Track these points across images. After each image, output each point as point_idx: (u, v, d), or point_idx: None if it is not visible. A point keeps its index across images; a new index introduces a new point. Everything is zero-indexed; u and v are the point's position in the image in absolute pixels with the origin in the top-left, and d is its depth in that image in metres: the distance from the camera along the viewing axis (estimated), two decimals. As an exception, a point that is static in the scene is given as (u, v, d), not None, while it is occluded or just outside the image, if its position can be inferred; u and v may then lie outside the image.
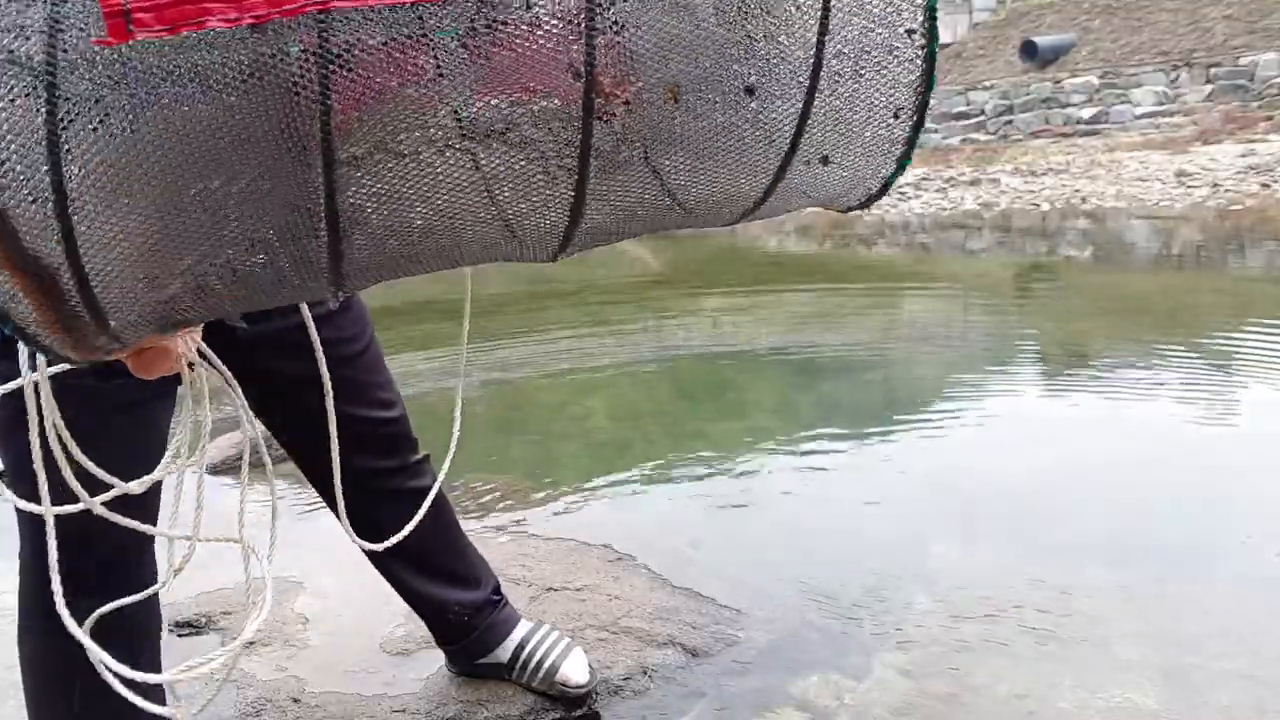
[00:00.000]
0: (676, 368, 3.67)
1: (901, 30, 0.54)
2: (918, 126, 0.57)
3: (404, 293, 5.13)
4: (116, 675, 0.76)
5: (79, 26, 0.43)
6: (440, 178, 0.51)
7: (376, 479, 1.25)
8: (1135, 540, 1.90)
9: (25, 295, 0.47)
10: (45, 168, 0.44)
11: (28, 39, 0.43)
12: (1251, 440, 2.49)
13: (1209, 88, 11.15)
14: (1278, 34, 11.27)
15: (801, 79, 0.54)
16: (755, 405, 3.16)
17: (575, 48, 0.48)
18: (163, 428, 1.04)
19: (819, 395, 3.23)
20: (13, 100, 0.43)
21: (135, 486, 0.73)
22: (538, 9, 0.48)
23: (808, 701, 1.41)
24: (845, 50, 0.54)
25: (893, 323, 4.47)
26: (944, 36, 13.00)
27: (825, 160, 0.58)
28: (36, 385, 0.60)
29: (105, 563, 1.05)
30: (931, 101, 0.57)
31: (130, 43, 0.43)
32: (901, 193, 9.51)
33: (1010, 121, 11.86)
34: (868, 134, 0.57)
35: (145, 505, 1.07)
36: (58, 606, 0.69)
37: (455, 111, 0.50)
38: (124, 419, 0.98)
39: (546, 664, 1.42)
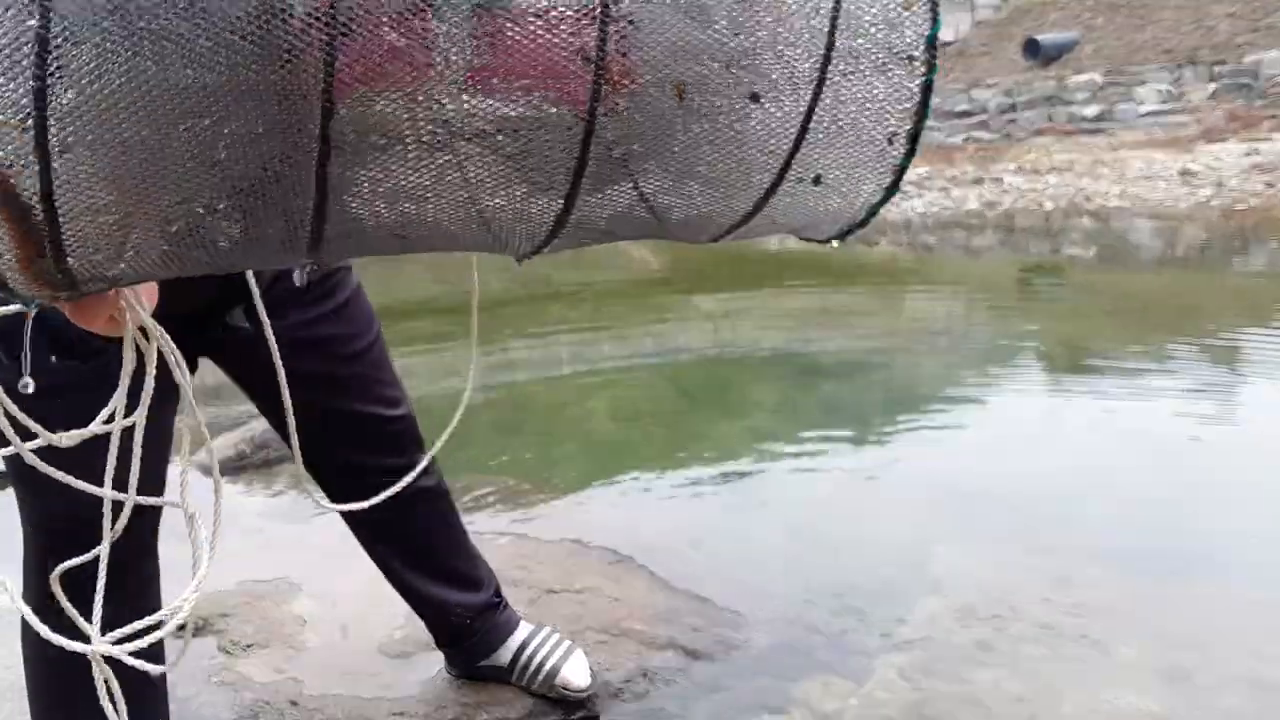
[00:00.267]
0: (677, 368, 3.66)
1: (903, 56, 0.54)
2: (909, 154, 0.56)
3: (404, 292, 5.13)
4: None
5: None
6: (428, 167, 0.51)
7: (384, 477, 1.24)
8: (1137, 541, 1.89)
9: (4, 223, 0.47)
10: (30, 85, 0.43)
11: None
12: (1254, 440, 2.48)
13: (1213, 86, 11.12)
14: (1282, 32, 11.22)
15: (803, 94, 0.53)
16: (756, 406, 3.15)
17: (588, 33, 0.48)
18: (165, 426, 1.03)
19: (820, 396, 3.22)
20: (5, 9, 0.43)
21: (64, 439, 0.73)
22: None
23: (809, 704, 1.40)
24: (848, 70, 0.53)
25: (895, 323, 4.46)
26: (946, 34, 12.99)
27: (818, 180, 0.57)
28: None
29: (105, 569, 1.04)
30: (934, 100, 0.57)
31: None
32: (904, 192, 9.49)
33: (1013, 120, 11.83)
34: (862, 157, 0.57)
35: (145, 510, 1.06)
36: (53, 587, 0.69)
37: (451, 91, 0.49)
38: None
39: (547, 666, 1.41)
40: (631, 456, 2.63)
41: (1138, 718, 1.33)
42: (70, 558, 1.03)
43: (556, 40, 0.48)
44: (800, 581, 1.79)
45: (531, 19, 0.48)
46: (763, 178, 0.56)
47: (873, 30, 0.53)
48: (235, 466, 2.59)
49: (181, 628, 0.83)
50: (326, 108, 0.47)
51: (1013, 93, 11.98)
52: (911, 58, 0.53)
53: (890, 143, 0.56)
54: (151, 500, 0.80)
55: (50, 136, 0.44)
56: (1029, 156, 10.70)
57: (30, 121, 0.44)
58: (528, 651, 1.43)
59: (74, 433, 0.72)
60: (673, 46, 0.50)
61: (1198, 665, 1.44)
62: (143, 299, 0.68)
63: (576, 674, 1.42)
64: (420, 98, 0.49)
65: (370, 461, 1.23)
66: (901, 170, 0.57)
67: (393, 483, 1.23)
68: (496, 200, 0.54)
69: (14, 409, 0.67)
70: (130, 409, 0.74)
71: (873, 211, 0.61)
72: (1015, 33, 13.31)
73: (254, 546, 1.90)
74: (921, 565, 1.83)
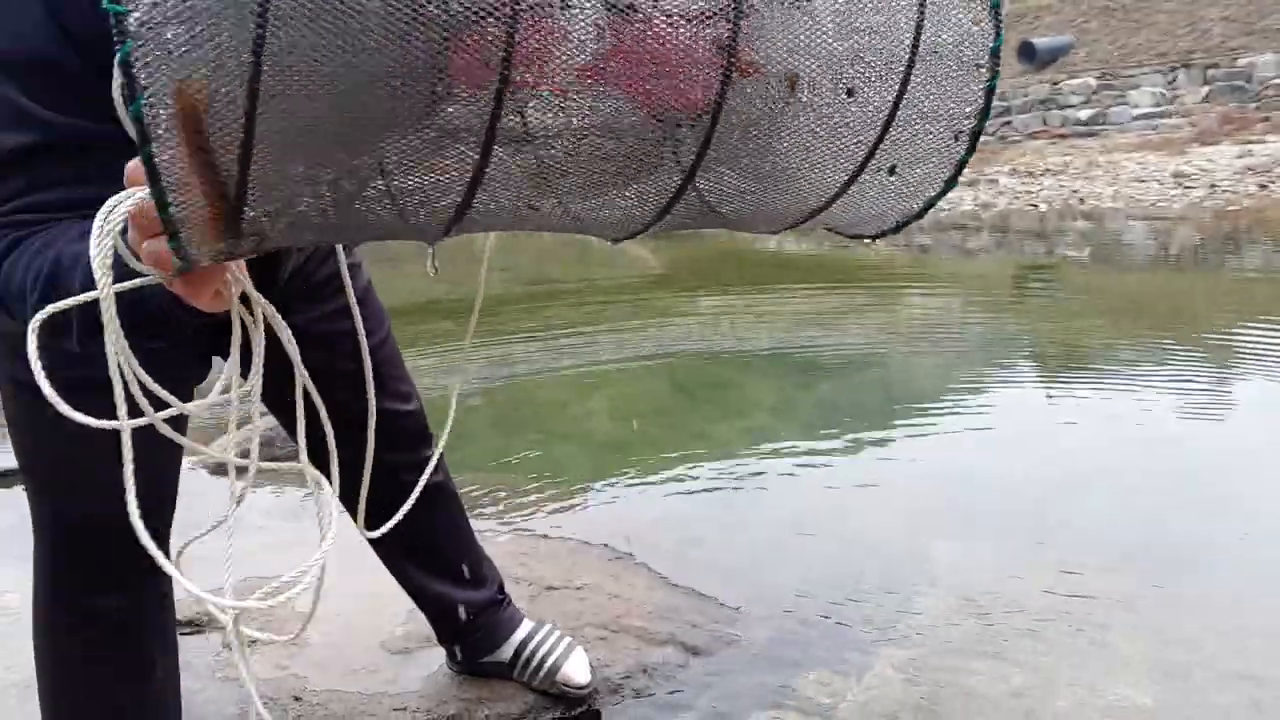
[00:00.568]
0: (676, 367, 3.67)
1: (972, 64, 0.60)
2: (970, 151, 0.62)
3: (405, 292, 5.13)
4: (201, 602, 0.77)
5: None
6: (571, 153, 0.56)
7: (393, 472, 1.25)
8: (1133, 538, 1.90)
9: (196, 179, 0.48)
10: (251, 38, 0.44)
11: None
12: (1249, 438, 2.50)
13: (1206, 89, 11.17)
14: (1275, 35, 11.30)
15: (888, 90, 0.60)
16: (755, 405, 3.16)
17: (722, 25, 0.53)
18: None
19: (819, 395, 3.24)
20: None
21: (192, 408, 0.73)
22: None
23: (807, 700, 1.42)
24: (927, 71, 0.60)
25: (892, 323, 4.48)
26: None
27: (893, 170, 0.63)
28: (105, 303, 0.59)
29: (116, 558, 1.05)
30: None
31: None
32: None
33: (1008, 122, 11.87)
34: (931, 151, 0.63)
35: (167, 509, 1.08)
36: (141, 537, 0.69)
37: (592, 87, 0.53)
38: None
39: (548, 663, 1.42)
40: (631, 455, 2.64)
41: (1133, 713, 1.35)
42: (84, 556, 1.04)
43: (688, 33, 0.53)
44: (798, 577, 1.80)
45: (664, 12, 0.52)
46: (847, 167, 0.62)
47: (947, 39, 0.59)
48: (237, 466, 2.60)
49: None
50: (500, 89, 0.50)
51: (1007, 96, 12.02)
52: (979, 65, 0.60)
53: (956, 139, 0.62)
54: (273, 465, 0.81)
55: (261, 79, 0.45)
56: (1024, 159, 10.74)
57: (246, 59, 0.45)
58: (529, 648, 1.43)
59: (200, 402, 0.72)
60: (790, 42, 0.56)
61: (1194, 661, 1.46)
62: (244, 271, 0.67)
63: (577, 671, 1.42)
64: (574, 89, 0.53)
65: (383, 457, 1.24)
66: (961, 165, 0.63)
67: (399, 478, 1.24)
68: (626, 189, 0.59)
69: (147, 380, 0.66)
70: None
71: (930, 204, 0.66)
72: (1010, 37, 13.36)
73: (257, 544, 1.90)
74: (919, 561, 1.84)
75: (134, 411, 0.64)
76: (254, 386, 0.73)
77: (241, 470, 0.82)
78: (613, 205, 0.61)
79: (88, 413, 1.00)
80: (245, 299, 0.71)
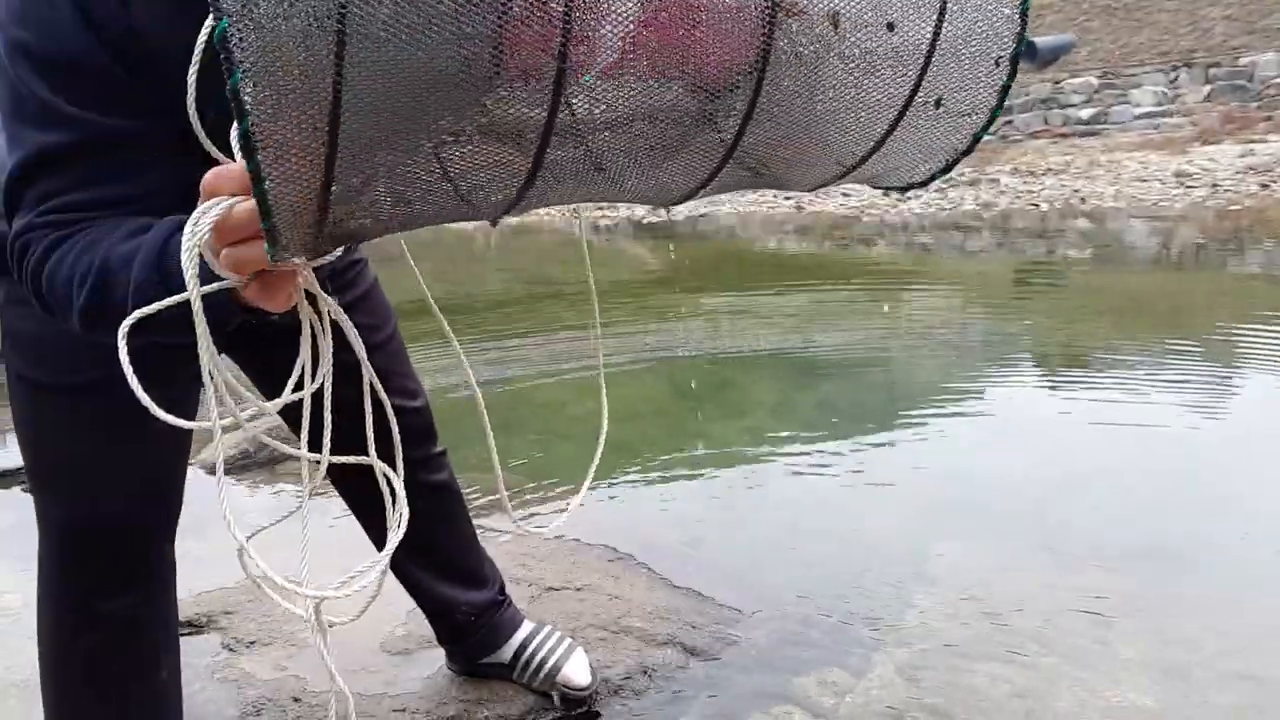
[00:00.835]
0: (676, 368, 3.67)
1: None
2: (1012, 75, 0.64)
3: (405, 292, 5.12)
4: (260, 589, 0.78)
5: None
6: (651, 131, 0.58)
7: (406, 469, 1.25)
8: (1133, 539, 1.90)
9: (302, 176, 0.49)
10: (336, 8, 0.46)
11: None
12: (1250, 438, 2.50)
13: (1208, 88, 11.16)
14: (1277, 34, 11.29)
15: (927, 21, 0.61)
16: (755, 405, 3.16)
17: None
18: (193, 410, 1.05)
19: (819, 395, 3.24)
20: None
21: (270, 407, 0.74)
22: None
23: (808, 701, 1.41)
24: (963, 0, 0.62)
25: (893, 323, 4.48)
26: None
27: (939, 103, 0.64)
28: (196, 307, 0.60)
29: (122, 559, 1.05)
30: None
31: None
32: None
33: (1009, 121, 11.87)
34: (974, 79, 0.64)
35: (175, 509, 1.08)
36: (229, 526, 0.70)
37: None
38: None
39: (548, 665, 1.42)
40: (631, 455, 2.64)
41: (1134, 713, 1.35)
42: (92, 560, 1.04)
43: None
44: (799, 578, 1.80)
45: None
46: (895, 103, 0.64)
47: None
48: (238, 465, 2.60)
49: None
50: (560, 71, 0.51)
51: (1009, 95, 12.01)
52: None
53: (997, 65, 0.63)
54: (353, 459, 0.81)
55: (345, 53, 0.46)
56: (1025, 158, 10.73)
57: (332, 27, 0.46)
58: (529, 649, 1.43)
59: (276, 401, 0.73)
60: None
61: (1194, 661, 1.45)
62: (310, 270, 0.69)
63: (578, 673, 1.42)
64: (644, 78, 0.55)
65: (385, 453, 1.24)
66: (1005, 91, 0.64)
67: (406, 476, 1.24)
68: (675, 160, 0.61)
69: (228, 377, 0.68)
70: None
71: (977, 137, 0.67)
72: (1012, 34, 13.33)
73: (257, 545, 1.90)
74: (920, 562, 1.84)
75: (162, 404, 0.65)
76: (326, 383, 0.74)
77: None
78: (664, 176, 0.63)
79: (89, 412, 1.00)
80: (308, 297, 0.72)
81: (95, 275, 0.69)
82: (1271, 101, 10.47)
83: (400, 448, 0.91)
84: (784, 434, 2.77)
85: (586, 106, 0.55)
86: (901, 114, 0.63)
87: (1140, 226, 7.36)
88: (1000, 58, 0.63)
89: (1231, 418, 2.71)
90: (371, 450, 0.82)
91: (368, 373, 0.80)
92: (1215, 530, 1.94)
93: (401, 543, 1.35)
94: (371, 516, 1.31)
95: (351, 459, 0.81)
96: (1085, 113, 11.57)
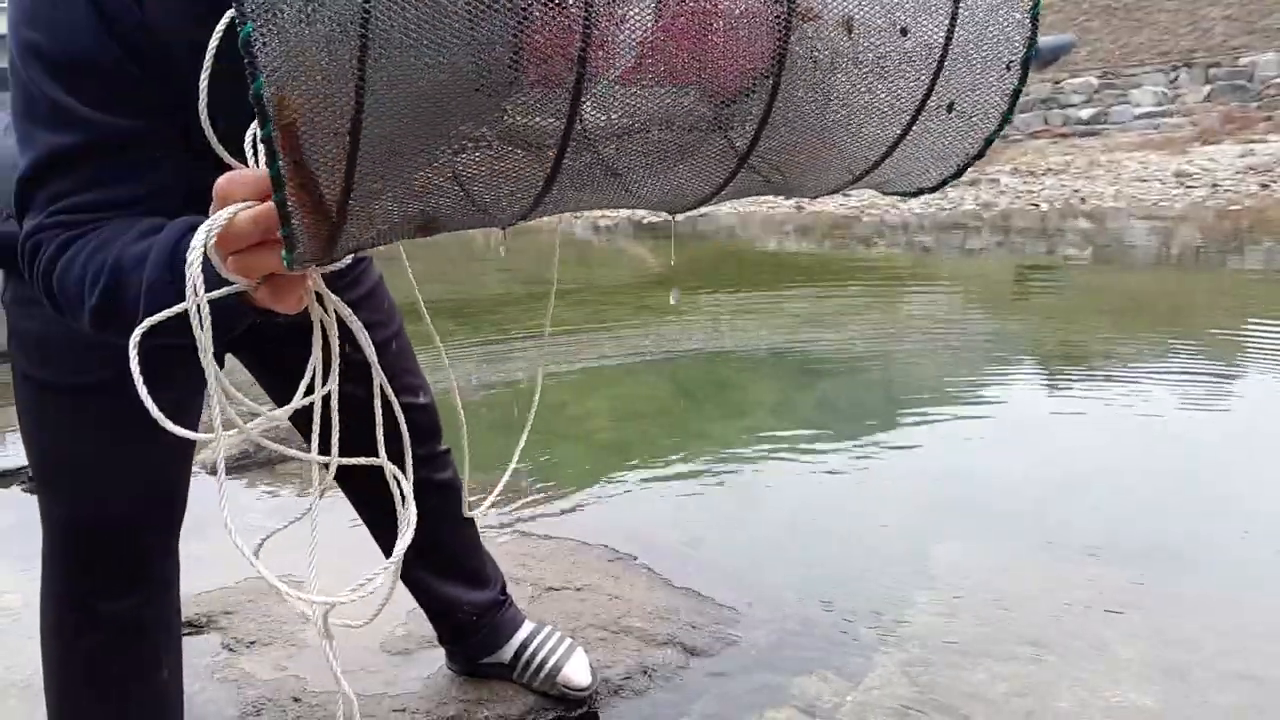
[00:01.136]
0: (676, 368, 3.67)
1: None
2: (1023, 80, 0.64)
3: (404, 292, 5.12)
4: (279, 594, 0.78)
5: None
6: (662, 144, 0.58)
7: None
8: (1134, 538, 1.90)
9: (322, 182, 0.49)
10: (359, 12, 0.46)
11: None
12: (1250, 437, 2.50)
13: (1208, 88, 11.17)
14: (1277, 34, 11.29)
15: (939, 25, 0.62)
16: (755, 405, 3.16)
17: None
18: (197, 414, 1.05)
19: (819, 395, 3.24)
20: None
21: (281, 414, 0.74)
22: None
23: (808, 701, 1.41)
24: (974, 3, 0.62)
25: (892, 323, 4.48)
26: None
27: (951, 107, 0.64)
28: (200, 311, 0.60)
29: (125, 560, 1.05)
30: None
31: None
32: (901, 193, 9.54)
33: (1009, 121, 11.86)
34: (985, 83, 0.64)
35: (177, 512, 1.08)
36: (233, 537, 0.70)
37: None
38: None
39: (549, 665, 1.42)
40: (631, 455, 2.64)
41: (1134, 713, 1.35)
42: (95, 560, 1.04)
43: None
44: (798, 579, 1.80)
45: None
46: (907, 107, 0.64)
47: None
48: (238, 465, 2.60)
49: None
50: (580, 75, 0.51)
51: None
52: None
53: (1008, 69, 0.64)
54: (364, 460, 0.81)
55: (368, 59, 0.46)
56: (1025, 158, 10.74)
57: (355, 31, 0.46)
58: (530, 649, 1.43)
59: (287, 407, 0.73)
60: None
61: (1194, 661, 1.45)
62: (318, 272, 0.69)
63: (578, 673, 1.42)
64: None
65: (392, 451, 1.24)
66: (1016, 96, 0.64)
67: (416, 474, 1.23)
68: (687, 167, 0.61)
69: (233, 391, 0.68)
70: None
71: (989, 141, 0.67)
72: (1012, 34, 13.33)
73: (256, 545, 1.91)
74: (920, 562, 1.84)
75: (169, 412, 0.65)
76: (333, 387, 0.74)
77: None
78: (678, 182, 0.63)
79: (94, 412, 1.00)
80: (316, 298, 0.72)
81: (108, 275, 0.69)
82: (1271, 101, 10.47)
83: (410, 449, 0.91)
84: (784, 434, 2.77)
85: (604, 113, 0.55)
86: (914, 118, 0.64)
87: (1140, 226, 7.36)
88: (1011, 62, 0.63)
89: (1232, 417, 2.71)
90: (382, 452, 0.81)
91: (378, 376, 0.80)
92: (1215, 530, 1.94)
93: (416, 548, 1.35)
94: (376, 515, 1.31)
95: (362, 460, 0.81)
96: (1085, 113, 11.57)
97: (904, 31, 0.60)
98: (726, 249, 8.01)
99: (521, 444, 1.13)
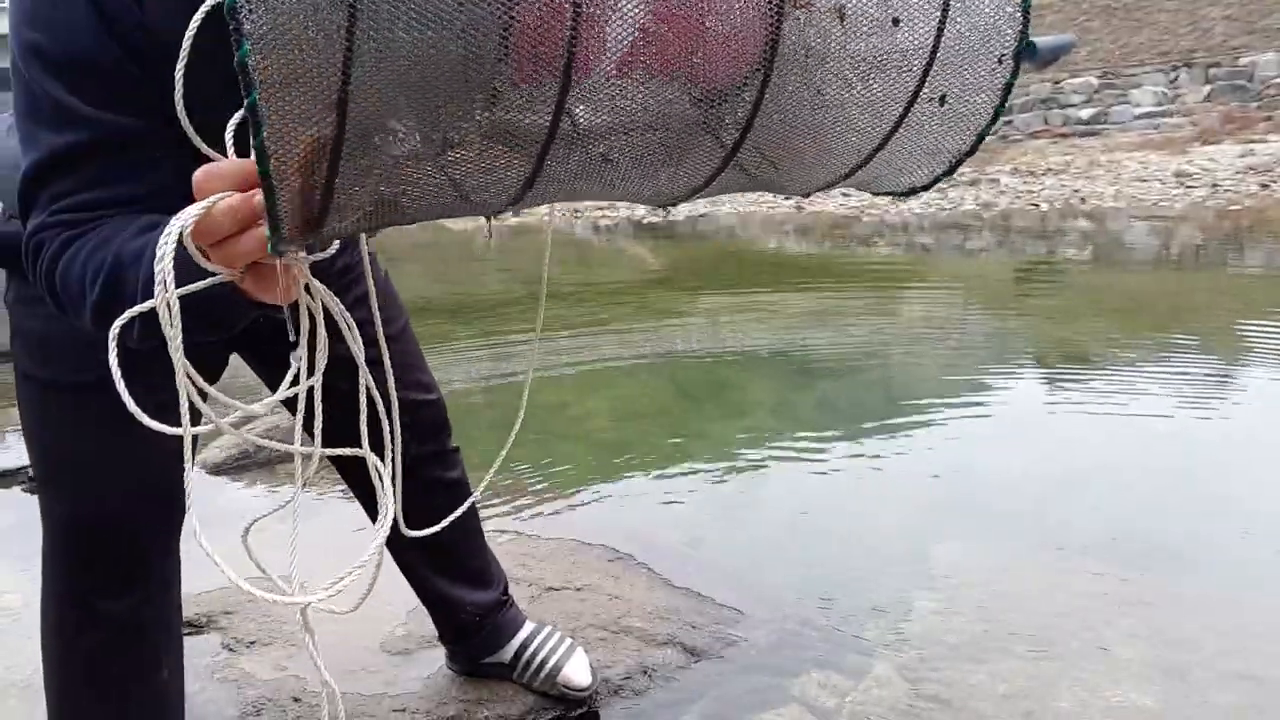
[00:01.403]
0: (676, 367, 3.67)
1: None
2: (1015, 73, 0.64)
3: (403, 292, 5.12)
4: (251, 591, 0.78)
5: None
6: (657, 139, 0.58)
7: (414, 466, 1.24)
8: (1134, 539, 1.90)
9: (301, 168, 0.49)
10: (344, 28, 0.46)
11: None
12: (1250, 437, 2.50)
13: (1208, 88, 11.16)
14: (1277, 34, 11.29)
15: (931, 18, 0.62)
16: (755, 405, 3.16)
17: None
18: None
19: (819, 395, 3.24)
20: None
21: (259, 408, 0.74)
22: None
23: (807, 701, 1.41)
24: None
25: (892, 323, 4.48)
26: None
27: (943, 100, 0.65)
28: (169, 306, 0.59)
29: (125, 559, 1.05)
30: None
31: None
32: (901, 193, 9.54)
33: (1009, 121, 11.87)
34: (977, 77, 0.65)
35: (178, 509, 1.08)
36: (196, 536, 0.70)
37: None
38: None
39: (549, 665, 1.42)
40: (631, 455, 2.64)
41: (1134, 713, 1.35)
42: (95, 558, 1.04)
43: None
44: (798, 579, 1.80)
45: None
46: (900, 100, 0.64)
47: None
48: (238, 465, 2.60)
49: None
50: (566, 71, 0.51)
51: (1010, 93, 12.01)
52: None
53: (1000, 62, 0.64)
54: (346, 451, 0.81)
55: (356, 40, 0.46)
56: (1025, 158, 10.74)
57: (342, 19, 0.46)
58: (530, 649, 1.43)
59: (268, 400, 0.73)
60: None
61: (1194, 661, 1.45)
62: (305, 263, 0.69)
63: (578, 673, 1.42)
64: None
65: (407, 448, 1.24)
66: (1008, 89, 0.64)
67: (419, 471, 1.22)
68: (676, 163, 0.61)
69: (200, 379, 0.67)
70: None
71: (981, 137, 0.67)
72: (1012, 34, 13.33)
73: (256, 545, 1.91)
74: (920, 561, 1.84)
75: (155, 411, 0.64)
76: (316, 381, 0.74)
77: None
78: (665, 172, 0.63)
79: (95, 411, 1.00)
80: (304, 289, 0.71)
81: (107, 272, 0.69)
82: (1271, 101, 10.47)
83: (398, 442, 0.91)
84: (784, 434, 2.77)
85: (595, 102, 0.55)
86: (906, 111, 0.64)
87: (1140, 226, 7.36)
88: (1003, 55, 0.63)
89: (1232, 417, 2.71)
90: (365, 443, 0.81)
91: (364, 376, 0.80)
92: (1215, 530, 1.94)
93: (413, 541, 1.36)
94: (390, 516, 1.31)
95: (345, 451, 0.81)
96: (1085, 113, 11.57)
97: (896, 22, 0.61)
98: (726, 249, 8.01)
99: (510, 443, 1.13)
